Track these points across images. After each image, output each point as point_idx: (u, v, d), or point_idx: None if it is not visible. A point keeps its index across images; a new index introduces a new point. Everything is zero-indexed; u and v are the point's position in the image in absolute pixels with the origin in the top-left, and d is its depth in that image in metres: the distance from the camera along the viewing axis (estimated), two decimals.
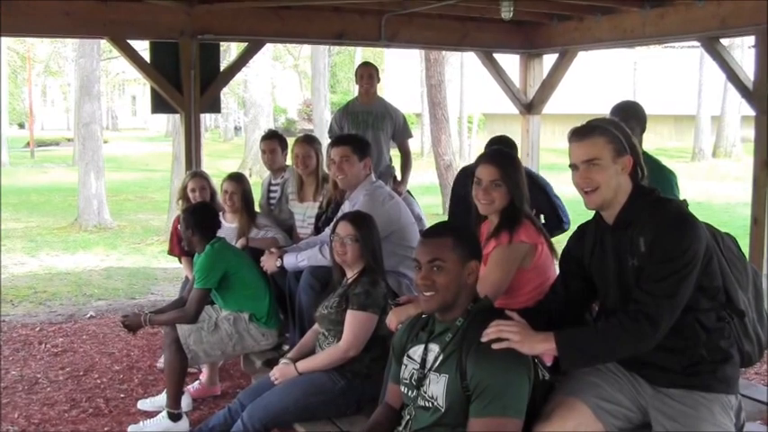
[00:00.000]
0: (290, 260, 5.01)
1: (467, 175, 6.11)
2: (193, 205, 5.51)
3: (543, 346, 2.80)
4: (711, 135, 26.67)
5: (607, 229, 3.00)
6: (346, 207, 4.89)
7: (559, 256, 3.31)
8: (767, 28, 5.88)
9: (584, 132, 2.94)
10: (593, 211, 3.12)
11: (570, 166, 2.97)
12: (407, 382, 2.99)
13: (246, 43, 7.44)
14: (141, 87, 42.80)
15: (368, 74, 7.21)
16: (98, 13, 6.47)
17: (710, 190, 17.81)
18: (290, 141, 6.44)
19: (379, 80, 7.32)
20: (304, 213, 5.85)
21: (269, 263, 5.15)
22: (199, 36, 6.82)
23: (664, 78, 27.58)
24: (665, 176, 4.68)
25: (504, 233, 3.65)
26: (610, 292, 3.00)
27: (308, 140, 6.02)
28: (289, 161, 6.43)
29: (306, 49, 35.11)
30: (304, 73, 42.07)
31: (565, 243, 3.29)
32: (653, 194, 2.97)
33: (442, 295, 2.87)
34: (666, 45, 22.17)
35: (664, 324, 2.77)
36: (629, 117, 4.27)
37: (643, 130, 4.60)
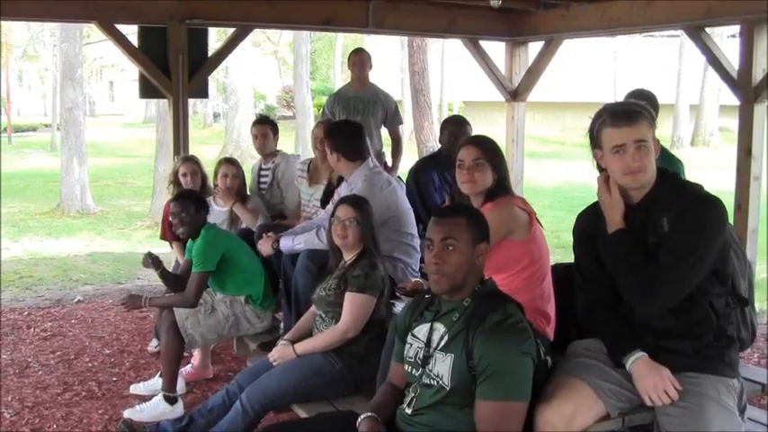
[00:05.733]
0: (287, 243, 5.03)
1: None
2: (180, 193, 5.52)
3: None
4: (690, 124, 26.88)
5: (628, 209, 3.06)
6: (343, 190, 4.93)
7: (574, 243, 3.31)
8: (753, 18, 5.98)
9: (630, 116, 2.97)
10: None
11: (614, 148, 2.98)
12: (412, 360, 3.04)
13: (234, 29, 7.44)
14: (119, 73, 42.28)
15: (360, 60, 7.29)
16: None
17: (689, 178, 17.96)
18: None
19: (371, 66, 7.38)
20: (311, 195, 5.87)
21: (265, 247, 5.19)
22: (187, 21, 6.82)
23: (643, 67, 27.69)
24: (673, 165, 4.78)
25: (502, 198, 3.69)
26: None
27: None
28: (279, 146, 6.51)
29: (285, 35, 34.97)
30: (283, 59, 41.87)
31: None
32: (675, 177, 3.09)
33: (452, 276, 2.91)
34: (647, 34, 22.28)
35: (667, 298, 2.93)
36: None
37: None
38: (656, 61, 28.18)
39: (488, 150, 3.77)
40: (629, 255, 2.99)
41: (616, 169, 3.01)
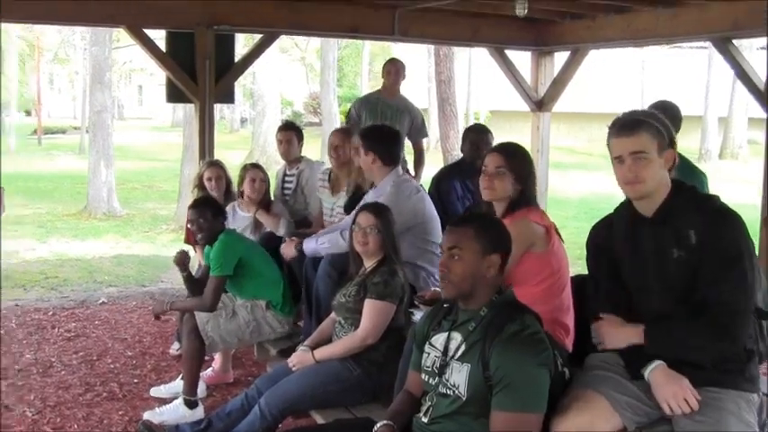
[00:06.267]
0: (310, 245, 5.06)
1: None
2: (197, 200, 5.56)
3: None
4: (718, 136, 26.65)
5: (643, 222, 3.04)
6: (371, 196, 4.94)
7: (587, 255, 3.29)
8: None
9: (631, 126, 2.97)
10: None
11: (615, 158, 2.99)
12: (429, 369, 3.05)
13: (261, 35, 7.50)
14: (148, 77, 42.77)
15: (396, 69, 7.43)
16: (116, 2, 6.54)
17: (717, 191, 17.81)
18: None
19: (404, 77, 7.45)
20: (334, 203, 5.87)
21: (288, 250, 5.22)
22: (215, 27, 6.88)
23: (672, 78, 27.55)
24: (696, 177, 4.74)
25: (519, 212, 3.68)
26: (648, 286, 3.04)
27: (345, 132, 6.04)
28: (304, 152, 6.54)
29: (313, 42, 35.13)
30: (310, 66, 42.02)
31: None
32: (692, 190, 3.05)
33: (457, 284, 2.93)
34: (674, 45, 22.16)
35: (741, 326, 2.90)
36: (666, 117, 4.32)
37: (677, 130, 4.64)
38: (685, 72, 28.01)
39: (513, 159, 3.75)
40: (677, 329, 2.95)
41: (617, 178, 3.02)
